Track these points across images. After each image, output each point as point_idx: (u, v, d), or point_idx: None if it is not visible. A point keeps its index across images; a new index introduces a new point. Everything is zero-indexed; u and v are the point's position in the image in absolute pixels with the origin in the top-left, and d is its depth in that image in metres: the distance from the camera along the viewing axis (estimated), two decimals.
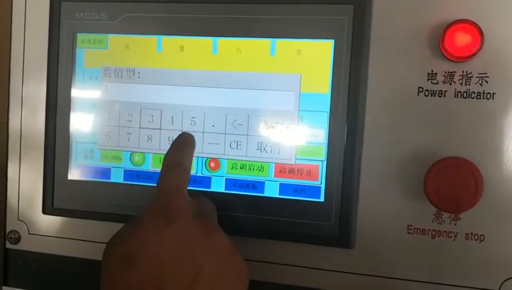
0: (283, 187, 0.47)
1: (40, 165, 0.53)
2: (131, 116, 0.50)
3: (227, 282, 0.40)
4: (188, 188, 0.48)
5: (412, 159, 0.45)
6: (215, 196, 0.48)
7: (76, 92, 0.51)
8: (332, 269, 0.47)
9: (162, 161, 0.44)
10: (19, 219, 0.55)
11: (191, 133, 0.47)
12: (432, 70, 0.45)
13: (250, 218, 0.47)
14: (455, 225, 0.45)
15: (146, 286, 0.37)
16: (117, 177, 0.51)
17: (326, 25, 0.45)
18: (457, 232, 0.45)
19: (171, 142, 0.48)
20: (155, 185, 0.49)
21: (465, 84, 0.44)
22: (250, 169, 0.48)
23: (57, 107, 0.51)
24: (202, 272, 0.38)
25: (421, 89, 0.45)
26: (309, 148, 0.46)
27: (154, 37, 0.49)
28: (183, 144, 0.45)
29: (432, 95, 0.45)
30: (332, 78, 0.45)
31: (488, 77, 0.44)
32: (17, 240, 0.55)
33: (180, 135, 0.46)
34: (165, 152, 0.45)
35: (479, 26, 0.42)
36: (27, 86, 0.54)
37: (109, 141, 0.51)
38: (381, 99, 0.46)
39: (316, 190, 0.46)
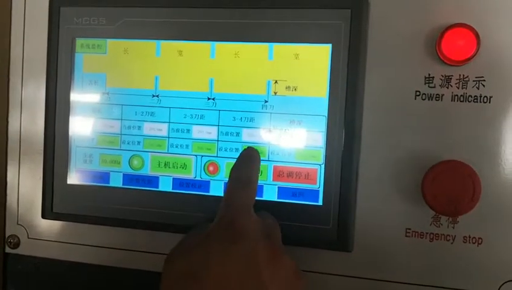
0: (281, 191, 0.47)
1: (40, 169, 0.53)
2: (130, 120, 0.50)
3: None
4: (187, 192, 0.49)
5: (409, 163, 0.45)
6: (214, 200, 0.48)
7: (75, 96, 0.51)
8: (330, 272, 0.47)
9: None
10: (18, 224, 0.55)
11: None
12: (429, 74, 0.45)
13: None
14: (453, 228, 0.45)
15: None
16: (116, 181, 0.51)
17: (324, 30, 0.45)
18: (455, 236, 0.45)
19: (170, 147, 0.48)
20: (153, 189, 0.49)
21: (462, 88, 0.44)
22: None
23: (56, 112, 0.51)
24: None
25: (418, 93, 0.45)
26: (307, 152, 0.46)
27: (153, 42, 0.49)
28: (251, 158, 0.44)
29: (429, 99, 0.45)
30: (330, 83, 0.45)
31: (484, 80, 0.44)
32: (17, 244, 0.55)
33: (246, 149, 0.45)
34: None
35: (475, 30, 0.42)
36: (26, 90, 0.54)
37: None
38: (378, 103, 0.46)
39: (314, 194, 0.46)
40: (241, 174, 0.42)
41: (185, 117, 0.49)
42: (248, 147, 0.45)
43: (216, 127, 0.48)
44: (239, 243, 0.38)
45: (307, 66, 0.46)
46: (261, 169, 0.47)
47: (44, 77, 0.52)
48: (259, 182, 0.47)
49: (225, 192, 0.42)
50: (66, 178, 0.52)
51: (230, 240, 0.38)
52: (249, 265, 0.37)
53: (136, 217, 0.49)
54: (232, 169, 0.42)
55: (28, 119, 0.54)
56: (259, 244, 0.38)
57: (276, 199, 0.47)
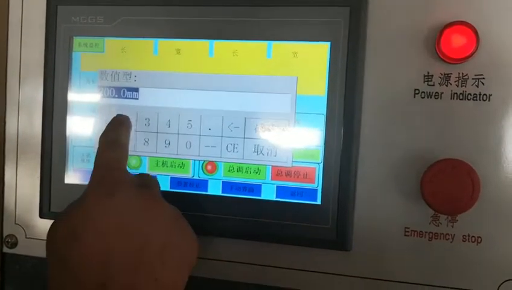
0: (280, 190, 0.47)
1: (37, 169, 0.53)
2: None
3: (176, 249, 0.40)
4: (185, 191, 0.49)
5: (408, 161, 0.45)
6: (212, 199, 0.48)
7: (72, 96, 0.51)
8: (329, 271, 0.47)
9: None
10: (15, 223, 0.55)
11: (187, 137, 0.47)
12: (428, 72, 0.45)
13: (247, 221, 0.47)
14: (452, 227, 0.45)
15: (92, 258, 0.37)
16: None
17: (323, 28, 0.45)
18: (454, 234, 0.45)
19: (168, 146, 0.48)
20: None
21: (462, 86, 0.44)
22: (247, 172, 0.48)
23: (53, 111, 0.51)
24: (149, 241, 0.38)
25: (417, 91, 0.45)
26: (306, 150, 0.46)
27: (151, 40, 0.49)
28: (119, 123, 0.46)
29: (428, 97, 0.45)
30: (329, 81, 0.45)
31: (484, 78, 0.44)
32: (14, 244, 0.55)
33: (115, 116, 0.47)
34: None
35: (474, 28, 0.42)
36: (24, 89, 0.54)
37: None
38: (377, 101, 0.46)
39: (313, 193, 0.46)
40: (109, 136, 0.44)
41: (183, 116, 0.49)
42: (117, 114, 0.48)
43: (214, 126, 0.48)
44: (112, 195, 0.39)
45: (305, 64, 0.46)
46: (259, 168, 0.47)
47: (42, 75, 0.52)
48: (258, 181, 0.47)
49: (95, 157, 0.43)
50: (64, 178, 0.52)
51: (104, 194, 0.39)
52: (126, 214, 0.38)
53: None
54: (100, 135, 0.44)
55: (26, 118, 0.54)
56: (134, 194, 0.40)
57: (274, 199, 0.47)
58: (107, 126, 0.46)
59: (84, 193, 0.41)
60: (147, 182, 0.44)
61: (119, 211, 0.38)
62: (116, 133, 0.45)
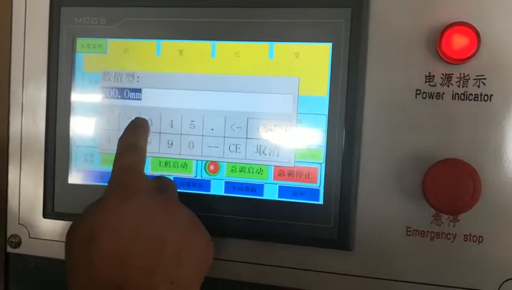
0: (282, 190, 0.47)
1: (41, 169, 0.53)
2: (131, 120, 0.50)
3: (192, 252, 0.40)
4: (187, 191, 0.49)
5: (410, 161, 0.45)
6: (215, 199, 0.48)
7: (76, 96, 0.51)
8: (331, 271, 0.47)
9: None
10: (19, 223, 0.56)
11: (190, 138, 0.48)
12: (430, 73, 0.45)
13: (250, 221, 0.48)
14: (454, 226, 0.45)
15: (110, 260, 0.37)
16: None
17: (324, 29, 0.45)
18: (456, 234, 0.45)
19: (171, 146, 0.48)
20: None
21: (463, 86, 0.44)
22: (249, 172, 0.48)
23: (57, 112, 0.52)
24: (166, 244, 0.38)
25: (418, 91, 0.45)
26: (308, 150, 0.47)
27: (153, 41, 0.49)
28: (137, 126, 0.46)
29: (429, 97, 0.45)
30: (331, 81, 0.46)
31: (485, 78, 0.44)
32: (18, 244, 0.56)
33: (133, 119, 0.47)
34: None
35: (476, 29, 0.42)
36: (27, 90, 0.55)
37: (109, 145, 0.51)
38: (379, 101, 0.46)
39: (315, 193, 0.47)
40: (128, 140, 0.44)
41: (185, 116, 0.49)
42: (136, 117, 0.47)
43: (217, 126, 0.48)
44: (130, 198, 0.39)
45: (307, 64, 0.46)
46: (261, 168, 0.47)
47: (45, 76, 0.52)
48: (260, 181, 0.47)
49: (114, 160, 0.43)
50: (67, 178, 0.52)
51: (122, 197, 0.40)
52: (143, 218, 0.39)
53: None
54: (119, 138, 0.44)
55: (29, 119, 0.54)
56: (152, 198, 0.40)
57: (277, 198, 0.47)
58: (125, 129, 0.45)
59: (103, 196, 0.41)
60: (164, 185, 0.45)
61: (136, 214, 0.39)
62: (134, 136, 0.45)
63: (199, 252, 0.41)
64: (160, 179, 0.46)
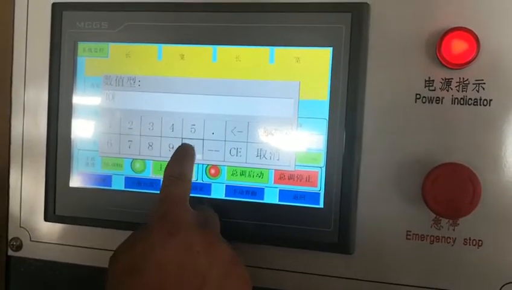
0: (283, 193, 0.47)
1: (42, 172, 0.53)
2: (132, 123, 0.50)
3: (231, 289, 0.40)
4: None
5: (410, 165, 0.45)
6: (215, 203, 0.48)
7: (77, 100, 0.52)
8: (331, 274, 0.48)
9: (163, 171, 0.44)
10: (20, 226, 0.56)
11: (191, 142, 0.48)
12: (429, 77, 0.45)
13: (250, 224, 0.48)
14: (453, 230, 0.45)
15: None
16: (118, 184, 0.51)
17: (325, 33, 0.46)
18: (455, 238, 0.45)
19: (171, 150, 0.48)
20: (156, 192, 0.49)
21: (462, 91, 0.44)
22: (250, 176, 0.48)
23: (58, 115, 0.52)
24: (206, 281, 0.38)
25: (418, 96, 0.45)
26: (308, 154, 0.47)
27: (155, 46, 0.50)
28: (184, 155, 0.46)
29: (429, 102, 0.45)
30: (331, 85, 0.46)
31: (484, 83, 0.44)
32: (19, 247, 0.56)
33: (180, 145, 0.47)
34: (165, 159, 0.45)
35: (475, 34, 0.42)
36: (29, 94, 0.55)
37: (110, 149, 0.51)
38: (379, 106, 0.46)
39: (315, 196, 0.47)
40: (174, 171, 0.44)
41: (186, 120, 0.49)
42: (183, 144, 0.47)
43: (217, 130, 0.48)
44: (175, 234, 0.39)
45: (308, 69, 0.46)
46: (261, 172, 0.48)
47: (47, 80, 0.52)
48: (261, 184, 0.47)
49: (160, 189, 0.43)
50: (68, 181, 0.52)
51: (167, 231, 0.39)
52: (186, 254, 0.39)
53: (138, 220, 0.49)
54: (166, 167, 0.44)
55: (31, 122, 0.55)
56: (195, 234, 0.40)
57: (277, 202, 0.47)
58: (173, 155, 0.45)
59: (148, 227, 0.41)
60: (208, 219, 0.45)
61: (180, 249, 0.39)
62: (181, 167, 0.45)
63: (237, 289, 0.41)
64: (204, 211, 0.46)
